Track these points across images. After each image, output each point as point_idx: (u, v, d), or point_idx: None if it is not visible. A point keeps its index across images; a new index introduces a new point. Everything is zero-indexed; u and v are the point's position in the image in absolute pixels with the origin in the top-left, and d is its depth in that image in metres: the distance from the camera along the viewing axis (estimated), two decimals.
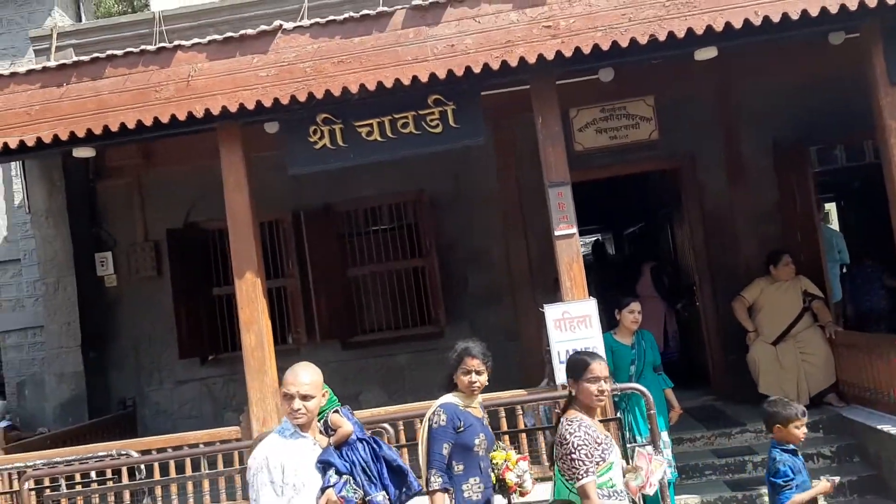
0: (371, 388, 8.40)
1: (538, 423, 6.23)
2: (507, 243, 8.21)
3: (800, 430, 4.44)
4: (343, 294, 8.50)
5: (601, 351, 5.64)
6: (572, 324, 5.64)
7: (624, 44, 5.50)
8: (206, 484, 6.08)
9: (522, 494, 3.96)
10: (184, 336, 8.43)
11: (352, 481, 3.30)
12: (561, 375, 5.61)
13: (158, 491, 5.98)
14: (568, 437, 3.38)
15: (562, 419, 3.51)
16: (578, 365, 3.58)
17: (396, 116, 6.11)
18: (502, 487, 3.81)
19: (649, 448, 3.81)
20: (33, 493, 5.91)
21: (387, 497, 3.40)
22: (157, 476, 5.97)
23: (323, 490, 3.27)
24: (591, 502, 3.33)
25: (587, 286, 5.94)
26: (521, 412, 5.98)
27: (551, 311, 5.73)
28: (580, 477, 3.35)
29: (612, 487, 3.47)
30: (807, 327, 7.33)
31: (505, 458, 3.83)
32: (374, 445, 3.51)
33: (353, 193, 8.44)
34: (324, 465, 3.33)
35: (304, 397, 3.33)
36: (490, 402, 5.91)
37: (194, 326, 8.54)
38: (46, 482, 6.07)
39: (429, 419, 3.63)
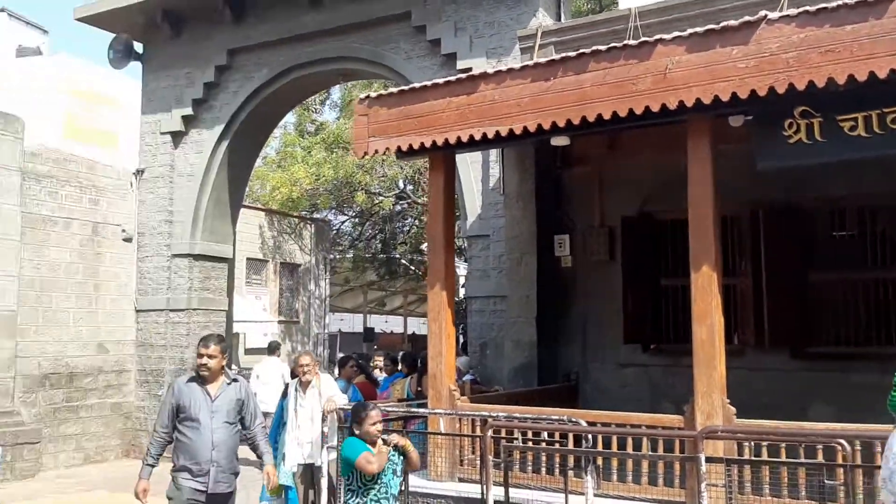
0: (818, 403, 7.79)
1: None
2: None
3: None
4: (799, 300, 8.01)
5: None
6: None
7: None
8: (644, 465, 6.28)
9: None
10: (629, 321, 8.76)
11: None
12: None
13: (599, 461, 6.31)
14: None
15: None
16: None
17: (886, 111, 5.56)
18: None
19: None
20: (492, 440, 6.69)
21: None
22: (599, 448, 6.32)
23: None
24: None
25: None
26: None
27: None
28: None
29: None
30: None
31: None
32: None
33: (819, 192, 7.87)
34: None
35: None
36: None
37: (639, 313, 8.80)
38: (503, 433, 6.83)
39: None
